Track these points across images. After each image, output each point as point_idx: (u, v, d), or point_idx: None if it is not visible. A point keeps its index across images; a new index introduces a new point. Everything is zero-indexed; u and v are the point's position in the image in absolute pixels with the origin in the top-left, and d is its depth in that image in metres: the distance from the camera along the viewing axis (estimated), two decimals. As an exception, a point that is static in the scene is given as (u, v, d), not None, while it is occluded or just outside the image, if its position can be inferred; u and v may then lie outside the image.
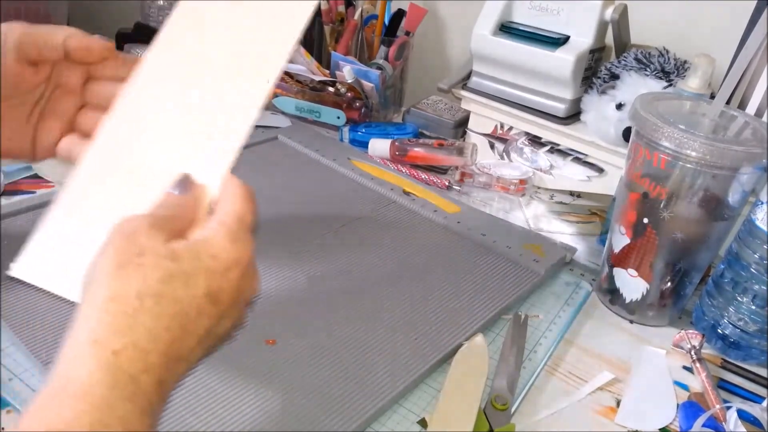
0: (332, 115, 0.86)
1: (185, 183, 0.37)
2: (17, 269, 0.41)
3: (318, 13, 0.92)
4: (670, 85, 0.66)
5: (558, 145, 0.76)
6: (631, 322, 0.56)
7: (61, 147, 0.44)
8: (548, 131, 0.76)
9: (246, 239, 0.35)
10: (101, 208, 0.41)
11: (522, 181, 0.75)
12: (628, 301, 0.56)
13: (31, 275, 0.41)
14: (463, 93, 0.81)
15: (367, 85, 0.86)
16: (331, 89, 0.86)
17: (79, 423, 0.26)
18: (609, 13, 0.71)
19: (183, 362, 0.32)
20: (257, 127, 0.70)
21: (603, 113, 0.70)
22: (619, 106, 0.68)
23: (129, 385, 0.28)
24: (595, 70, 0.73)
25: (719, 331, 0.53)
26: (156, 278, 0.31)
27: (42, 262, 0.41)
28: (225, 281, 0.33)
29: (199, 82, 0.42)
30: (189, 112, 0.42)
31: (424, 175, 0.75)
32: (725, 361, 0.52)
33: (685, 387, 0.49)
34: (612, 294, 0.57)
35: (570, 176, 0.75)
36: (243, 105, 0.41)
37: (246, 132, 0.40)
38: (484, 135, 0.82)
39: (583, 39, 0.71)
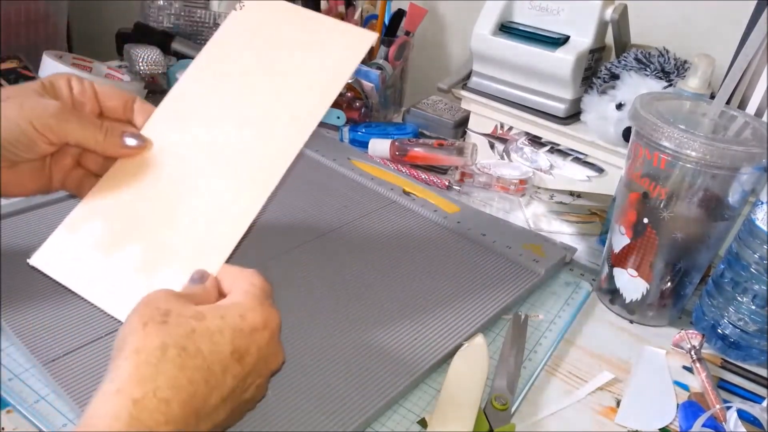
0: (332, 115, 0.86)
1: (202, 275, 0.39)
2: (36, 259, 0.43)
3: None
4: (670, 85, 0.66)
5: (558, 145, 0.76)
6: (631, 322, 0.56)
7: (70, 181, 0.47)
8: (548, 131, 0.76)
9: (273, 306, 0.36)
10: (125, 217, 0.42)
11: (522, 181, 0.75)
12: (628, 301, 0.56)
13: (48, 267, 0.43)
14: (463, 93, 0.81)
15: (367, 85, 0.86)
16: (331, 89, 0.86)
17: None
18: (609, 13, 0.71)
19: (205, 420, 0.31)
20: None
21: (603, 113, 0.70)
22: (619, 106, 0.68)
23: None
24: (595, 70, 0.73)
25: (719, 331, 0.53)
26: (180, 333, 0.31)
27: (61, 256, 0.43)
28: (252, 341, 0.34)
29: (240, 120, 0.43)
30: (224, 150, 0.43)
31: (424, 175, 0.75)
32: (725, 361, 0.52)
33: (685, 387, 0.49)
34: (612, 294, 0.57)
35: (570, 176, 0.75)
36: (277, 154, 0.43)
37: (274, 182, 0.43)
38: (484, 135, 0.82)
39: (583, 39, 0.71)
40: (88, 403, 0.30)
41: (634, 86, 0.67)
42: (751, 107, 0.61)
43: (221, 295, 0.38)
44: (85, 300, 0.42)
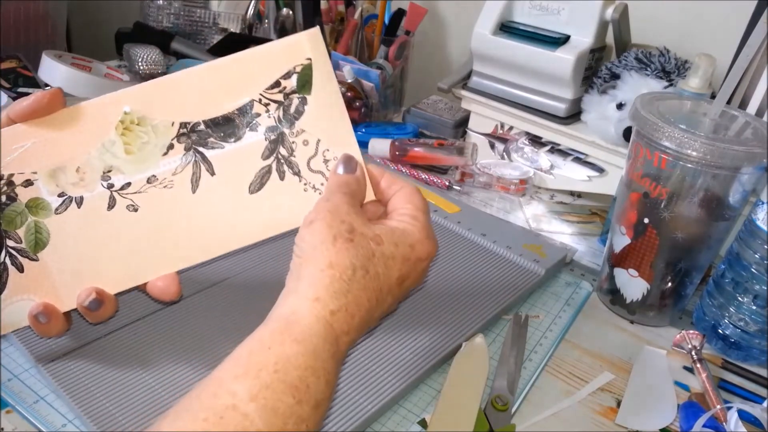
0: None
1: (350, 161, 0.41)
2: None
3: (318, 12, 0.92)
4: (671, 84, 0.66)
5: (558, 145, 0.76)
6: (632, 322, 0.56)
7: None
8: (548, 131, 0.76)
9: (435, 237, 0.40)
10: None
11: (522, 181, 0.75)
12: (628, 301, 0.56)
13: None
14: (463, 93, 0.81)
15: (367, 84, 0.86)
16: (331, 89, 0.86)
17: (296, 362, 0.31)
18: (609, 12, 0.70)
19: (366, 330, 0.37)
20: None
21: (603, 113, 0.70)
22: (620, 106, 0.68)
23: (335, 342, 0.34)
24: (596, 70, 0.73)
25: (720, 331, 0.53)
26: (364, 255, 0.36)
27: None
28: (413, 270, 0.39)
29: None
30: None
31: (424, 175, 0.75)
32: (726, 361, 0.52)
33: (685, 387, 0.49)
34: (612, 294, 0.57)
35: (570, 176, 0.75)
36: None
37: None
38: (485, 135, 0.82)
39: (583, 38, 0.71)
40: (282, 296, 0.36)
41: (635, 86, 0.67)
42: (752, 107, 0.61)
43: (380, 199, 0.42)
44: None
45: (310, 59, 0.40)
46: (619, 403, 0.47)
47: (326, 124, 0.41)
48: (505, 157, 0.80)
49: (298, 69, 0.40)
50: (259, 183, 0.41)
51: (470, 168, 0.76)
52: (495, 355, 0.49)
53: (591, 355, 0.52)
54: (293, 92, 0.41)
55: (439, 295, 0.53)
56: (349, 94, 0.86)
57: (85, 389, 0.41)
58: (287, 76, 0.40)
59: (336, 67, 0.87)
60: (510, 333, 0.51)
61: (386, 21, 0.91)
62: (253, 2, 1.00)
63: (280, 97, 0.41)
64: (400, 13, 0.91)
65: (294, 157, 0.41)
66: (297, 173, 0.42)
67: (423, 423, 0.43)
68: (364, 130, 0.83)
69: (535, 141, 0.78)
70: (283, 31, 0.98)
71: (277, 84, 0.40)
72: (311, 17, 0.93)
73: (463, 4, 0.98)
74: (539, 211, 0.73)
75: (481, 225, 0.64)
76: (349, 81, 0.85)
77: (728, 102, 0.51)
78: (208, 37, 1.00)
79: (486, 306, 0.52)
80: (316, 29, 0.41)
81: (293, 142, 0.41)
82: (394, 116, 0.94)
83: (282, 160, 0.41)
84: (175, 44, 0.94)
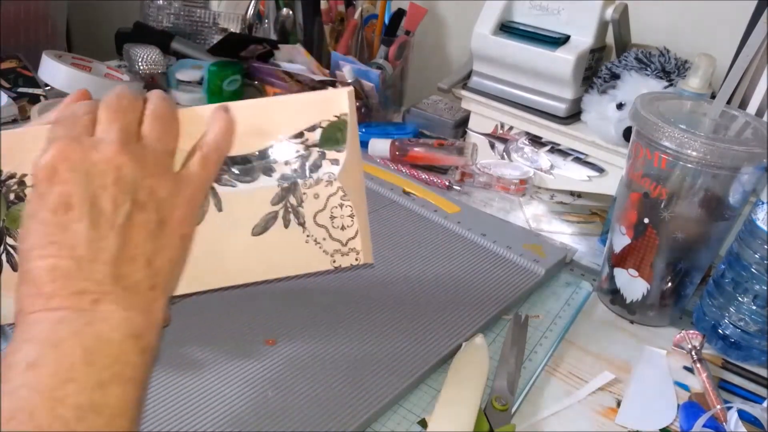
0: (332, 114, 0.85)
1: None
2: None
3: (318, 12, 0.92)
4: (671, 84, 0.66)
5: (558, 144, 0.76)
6: (632, 322, 0.56)
7: None
8: (549, 131, 0.76)
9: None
10: None
11: (522, 181, 0.75)
12: (628, 301, 0.56)
13: None
14: (463, 93, 0.81)
15: (367, 84, 0.86)
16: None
17: None
18: (609, 12, 0.70)
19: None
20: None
21: (603, 113, 0.70)
22: (620, 106, 0.68)
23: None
24: (596, 70, 0.73)
25: (720, 331, 0.53)
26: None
27: None
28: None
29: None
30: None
31: (424, 175, 0.75)
32: (726, 361, 0.52)
33: (685, 387, 0.49)
34: (613, 294, 0.57)
35: (570, 176, 0.75)
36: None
37: None
38: (485, 135, 0.82)
39: (583, 39, 0.71)
40: None
41: (635, 86, 0.67)
42: (752, 107, 0.61)
43: None
44: None
45: (339, 116, 0.41)
46: (619, 403, 0.47)
47: (345, 182, 0.42)
48: (505, 157, 0.80)
49: (324, 124, 0.41)
50: (263, 227, 0.41)
51: (470, 168, 0.76)
52: (495, 355, 0.49)
53: (591, 355, 0.52)
54: (314, 146, 0.41)
55: (439, 295, 0.53)
56: (349, 94, 0.86)
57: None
58: (312, 128, 0.41)
59: (336, 67, 0.87)
60: (510, 333, 0.51)
61: (386, 21, 0.91)
62: (253, 2, 1.00)
63: (301, 148, 0.41)
64: (400, 13, 0.91)
65: (302, 207, 0.42)
66: (302, 224, 0.42)
67: (423, 423, 0.43)
68: (364, 130, 0.83)
69: (535, 141, 0.78)
70: (283, 31, 0.97)
71: (300, 135, 0.41)
72: (311, 17, 0.93)
73: (463, 4, 0.98)
74: (539, 211, 0.73)
75: (481, 225, 0.64)
76: (349, 81, 0.85)
77: (728, 102, 0.51)
78: (208, 37, 1.00)
79: (486, 306, 0.52)
80: (351, 89, 0.41)
81: (304, 194, 0.41)
82: (394, 116, 0.94)
83: (290, 209, 0.41)
84: (175, 44, 0.94)
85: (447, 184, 0.74)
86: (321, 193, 0.42)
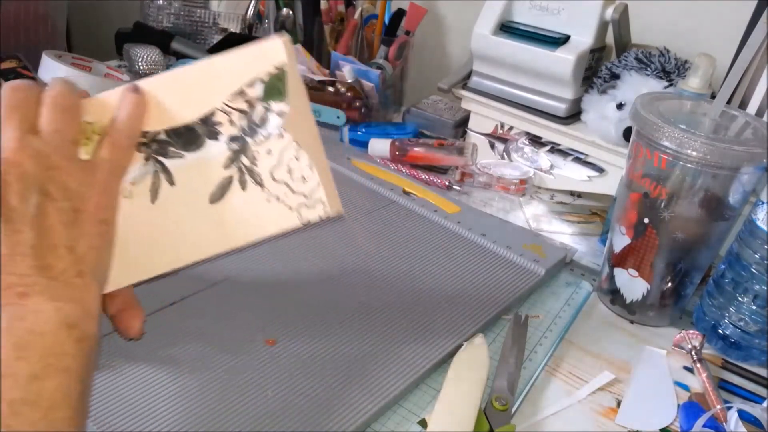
0: (332, 114, 0.86)
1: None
2: None
3: (318, 12, 0.92)
4: (671, 84, 0.66)
5: (558, 144, 0.76)
6: (632, 322, 0.56)
7: None
8: (549, 131, 0.76)
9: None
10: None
11: (522, 181, 0.75)
12: (628, 301, 0.56)
13: None
14: (463, 93, 0.81)
15: (367, 84, 0.86)
16: (330, 89, 0.86)
17: None
18: (609, 12, 0.70)
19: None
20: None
21: (603, 113, 0.70)
22: (620, 106, 0.68)
23: None
24: (596, 70, 0.73)
25: (720, 331, 0.53)
26: None
27: None
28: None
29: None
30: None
31: (424, 175, 0.75)
32: (726, 361, 0.52)
33: (685, 387, 0.49)
34: (613, 294, 0.57)
35: (570, 176, 0.75)
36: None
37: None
38: (485, 135, 0.82)
39: (583, 39, 0.71)
40: None
41: (635, 86, 0.67)
42: (752, 107, 0.61)
43: None
44: None
45: (279, 67, 0.39)
46: (619, 403, 0.47)
47: (296, 132, 0.40)
48: (505, 157, 0.80)
49: (265, 77, 0.39)
50: (220, 193, 0.40)
51: (470, 168, 0.76)
52: (495, 355, 0.49)
53: (591, 355, 0.52)
54: (258, 100, 0.39)
55: (439, 295, 0.53)
56: (349, 94, 0.86)
57: (85, 389, 0.41)
58: (251, 84, 0.39)
59: (336, 67, 0.87)
60: (510, 333, 0.51)
61: (386, 21, 0.91)
62: (253, 2, 1.00)
63: (244, 105, 0.39)
64: (400, 13, 0.91)
65: (256, 166, 0.40)
66: (259, 183, 0.40)
67: (423, 423, 0.43)
68: (364, 130, 0.83)
69: (535, 141, 0.78)
70: (283, 31, 0.98)
71: (241, 92, 0.39)
72: (311, 17, 0.93)
73: (463, 4, 0.98)
74: (539, 211, 0.73)
75: (481, 225, 0.64)
76: (349, 81, 0.85)
77: (728, 102, 0.51)
78: (208, 37, 1.00)
79: (486, 306, 0.52)
80: (287, 36, 0.39)
81: (256, 151, 0.40)
82: (394, 116, 0.94)
83: (244, 170, 0.40)
84: (175, 44, 0.94)
85: (447, 184, 0.74)
86: (273, 148, 0.40)
